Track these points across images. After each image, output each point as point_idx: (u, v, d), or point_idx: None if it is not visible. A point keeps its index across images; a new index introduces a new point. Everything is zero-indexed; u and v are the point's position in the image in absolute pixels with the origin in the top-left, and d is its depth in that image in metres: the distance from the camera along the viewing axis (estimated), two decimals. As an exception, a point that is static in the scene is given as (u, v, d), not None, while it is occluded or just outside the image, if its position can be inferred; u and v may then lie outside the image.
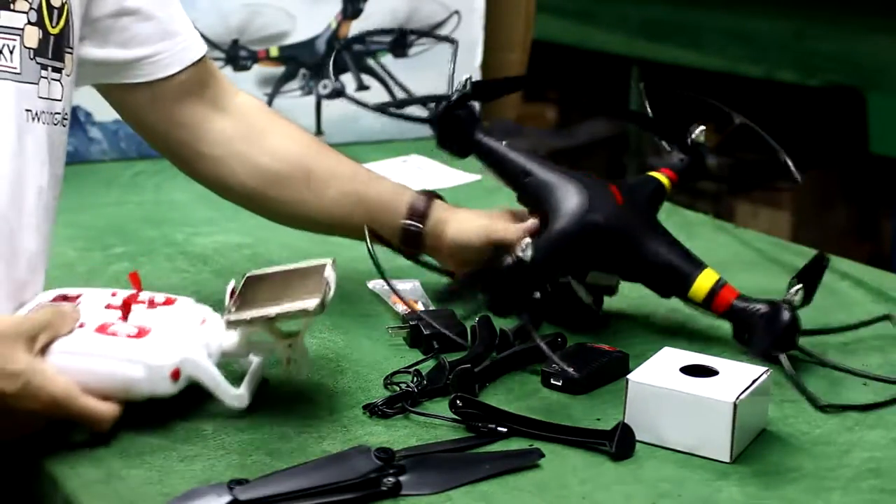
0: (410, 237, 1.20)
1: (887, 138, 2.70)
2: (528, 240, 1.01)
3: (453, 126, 1.21)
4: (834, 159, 3.03)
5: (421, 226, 1.20)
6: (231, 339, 0.98)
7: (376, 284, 1.24)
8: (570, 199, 1.11)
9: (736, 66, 2.75)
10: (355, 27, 1.88)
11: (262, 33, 1.83)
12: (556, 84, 1.22)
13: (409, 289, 1.23)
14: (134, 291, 1.00)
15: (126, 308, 0.96)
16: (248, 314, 0.96)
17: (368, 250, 1.08)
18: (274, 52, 1.85)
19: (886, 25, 2.74)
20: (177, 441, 0.93)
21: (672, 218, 1.48)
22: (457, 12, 1.92)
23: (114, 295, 0.99)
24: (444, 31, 1.91)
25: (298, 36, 1.86)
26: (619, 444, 0.92)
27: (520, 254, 1.01)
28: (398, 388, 1.00)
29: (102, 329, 0.95)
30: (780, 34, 2.90)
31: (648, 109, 1.27)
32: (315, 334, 1.13)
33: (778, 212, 2.96)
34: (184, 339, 0.95)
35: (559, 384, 1.03)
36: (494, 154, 1.19)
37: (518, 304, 1.01)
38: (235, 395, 0.96)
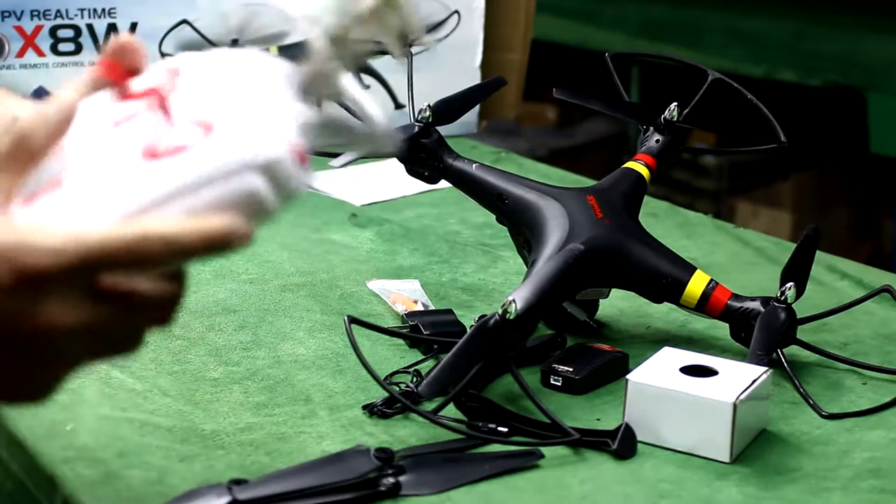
0: None
1: (888, 138, 2.70)
2: (511, 297, 0.99)
3: (421, 154, 1.20)
4: (834, 159, 3.03)
5: None
6: (315, 60, 0.68)
7: (376, 284, 1.24)
8: (549, 225, 1.09)
9: (736, 66, 2.75)
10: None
11: (262, 33, 1.83)
12: (556, 84, 1.22)
13: (409, 289, 1.23)
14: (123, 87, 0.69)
15: (163, 104, 0.66)
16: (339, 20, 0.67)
17: (351, 342, 1.00)
18: (274, 51, 1.85)
19: (887, 25, 2.74)
20: (176, 441, 0.93)
21: (672, 218, 1.48)
22: (456, 12, 1.92)
23: (97, 107, 0.69)
24: (443, 31, 1.91)
25: (298, 36, 1.86)
26: (621, 442, 0.92)
27: (505, 311, 0.98)
28: (398, 388, 1.00)
29: (152, 153, 0.65)
30: (781, 34, 2.90)
31: (620, 88, 1.25)
32: (314, 334, 1.13)
33: (778, 212, 2.96)
34: (266, 102, 0.66)
35: (559, 384, 1.03)
36: (466, 177, 1.18)
37: (502, 361, 1.00)
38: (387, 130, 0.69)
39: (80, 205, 0.64)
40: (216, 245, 0.62)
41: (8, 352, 0.62)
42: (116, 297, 0.63)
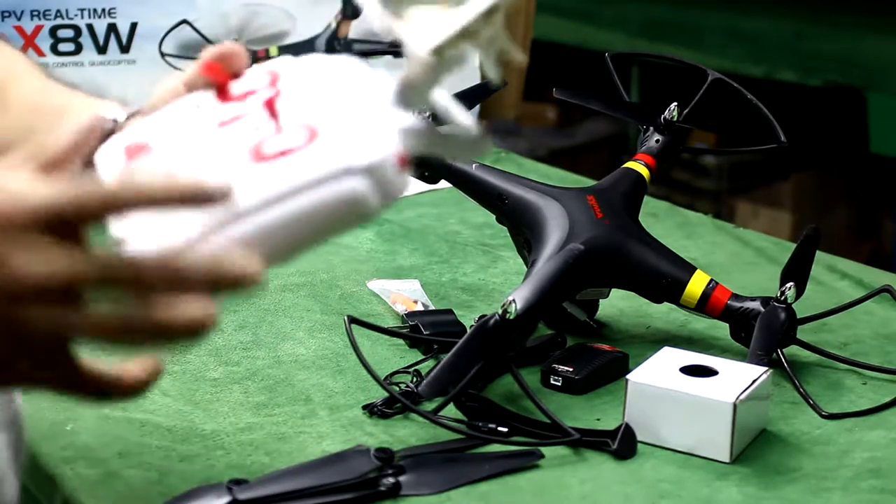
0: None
1: (888, 138, 2.70)
2: (511, 297, 0.99)
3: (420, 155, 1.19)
4: (834, 159, 3.03)
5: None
6: (415, 70, 0.68)
7: (376, 284, 1.24)
8: (549, 225, 1.09)
9: (736, 66, 2.75)
10: (355, 27, 1.88)
11: (262, 33, 1.83)
12: (556, 84, 1.22)
13: (409, 289, 1.23)
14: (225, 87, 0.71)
15: (271, 107, 0.68)
16: (440, 33, 0.67)
17: (351, 342, 1.01)
18: (274, 51, 1.85)
19: (887, 25, 2.74)
20: (176, 441, 0.93)
21: (672, 218, 1.48)
22: (457, 12, 1.92)
23: (199, 107, 0.71)
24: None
25: (298, 36, 1.85)
26: (621, 442, 0.92)
27: (505, 311, 0.99)
28: (398, 388, 1.00)
29: (259, 154, 0.66)
30: (781, 34, 2.90)
31: (620, 88, 1.25)
32: (314, 334, 1.13)
33: (778, 212, 2.96)
34: (369, 108, 0.67)
35: (559, 384, 1.03)
36: (466, 177, 1.18)
37: (501, 361, 1.00)
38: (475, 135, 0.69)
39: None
40: (191, 199, 0.60)
41: None
42: (97, 256, 0.58)
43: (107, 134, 0.75)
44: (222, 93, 0.71)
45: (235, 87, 0.71)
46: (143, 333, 0.60)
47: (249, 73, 0.72)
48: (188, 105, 0.71)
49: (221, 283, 0.60)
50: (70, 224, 0.59)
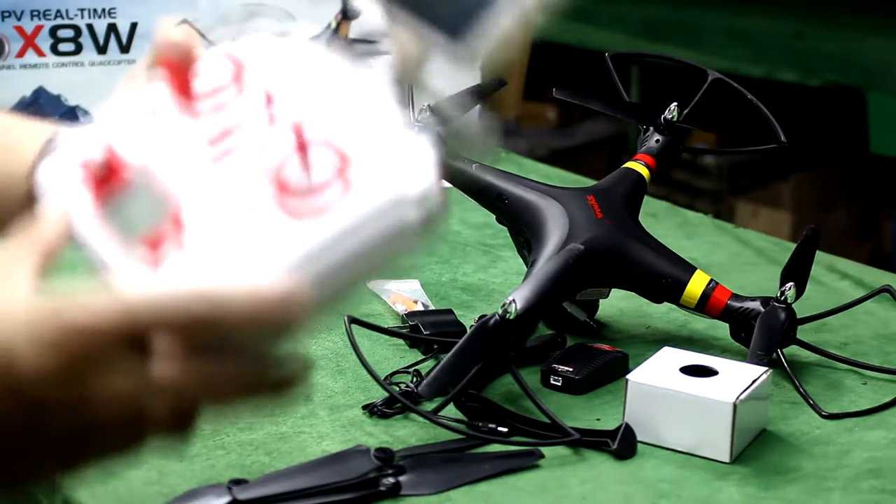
0: None
1: (887, 138, 2.70)
2: (511, 297, 0.99)
3: None
4: (834, 159, 3.03)
5: None
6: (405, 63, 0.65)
7: (376, 284, 1.24)
8: (549, 225, 1.09)
9: (736, 67, 2.75)
10: (355, 27, 1.88)
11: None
12: (556, 84, 1.22)
13: (409, 289, 1.23)
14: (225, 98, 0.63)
15: (301, 145, 0.59)
16: None
17: (351, 342, 1.01)
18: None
19: (886, 25, 2.74)
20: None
21: (672, 218, 1.48)
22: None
23: (157, 112, 0.63)
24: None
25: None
26: (621, 442, 0.92)
27: (505, 311, 0.99)
28: (398, 388, 1.00)
29: (287, 190, 0.59)
30: (781, 34, 2.90)
31: (620, 88, 1.25)
32: (314, 334, 1.13)
33: (778, 212, 2.96)
34: (393, 121, 0.61)
35: (559, 384, 1.03)
36: (466, 178, 1.18)
37: (501, 361, 1.00)
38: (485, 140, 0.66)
39: (222, 268, 0.57)
40: (270, 315, 0.56)
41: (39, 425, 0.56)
42: (170, 361, 0.56)
43: None
44: (184, 91, 0.63)
45: (195, 80, 0.63)
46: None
47: (207, 62, 0.64)
48: (144, 105, 0.63)
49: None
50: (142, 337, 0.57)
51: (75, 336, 0.55)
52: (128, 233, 0.60)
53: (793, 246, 1.11)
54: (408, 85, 0.66)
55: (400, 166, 0.59)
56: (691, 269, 1.09)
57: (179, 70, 0.63)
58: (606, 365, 1.05)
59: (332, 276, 0.58)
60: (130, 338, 0.56)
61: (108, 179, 0.62)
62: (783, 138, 1.19)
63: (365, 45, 0.67)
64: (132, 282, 0.58)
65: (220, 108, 0.62)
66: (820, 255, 1.17)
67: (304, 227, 0.58)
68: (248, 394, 0.59)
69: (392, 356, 1.09)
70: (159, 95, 0.64)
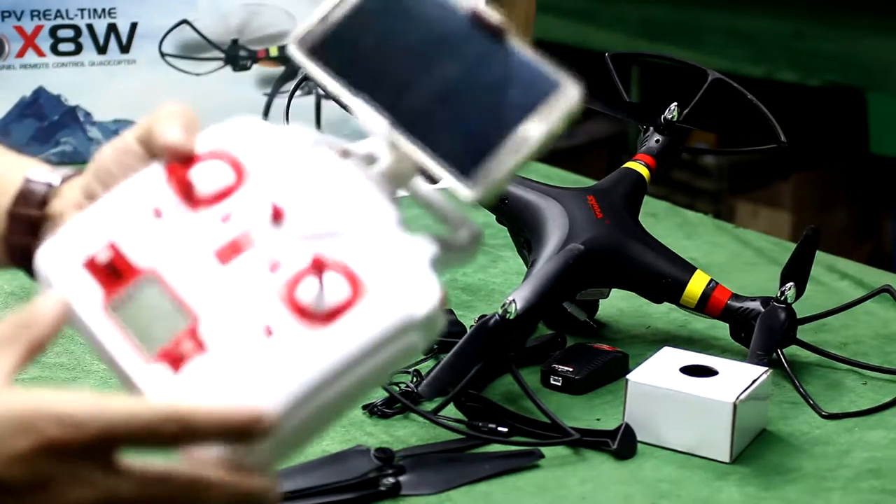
0: (25, 227, 0.75)
1: (888, 138, 2.70)
2: (511, 297, 1.00)
3: None
4: (834, 159, 3.03)
5: (39, 214, 0.74)
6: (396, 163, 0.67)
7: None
8: (549, 225, 1.09)
9: (736, 67, 2.75)
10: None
11: (262, 33, 1.83)
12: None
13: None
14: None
15: (319, 268, 0.62)
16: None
17: None
18: (274, 51, 1.85)
19: (886, 25, 2.74)
20: (176, 441, 0.93)
21: (672, 218, 1.48)
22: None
23: (161, 213, 0.65)
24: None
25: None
26: (621, 442, 0.92)
27: (505, 311, 0.99)
28: (398, 388, 1.00)
29: (305, 313, 0.62)
30: (781, 34, 2.90)
31: (620, 88, 1.25)
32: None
33: (778, 212, 2.96)
34: (401, 242, 0.65)
35: (559, 384, 1.03)
36: None
37: (502, 361, 1.00)
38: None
39: (241, 381, 0.60)
40: (234, 432, 0.59)
41: None
42: (132, 475, 0.59)
43: (40, 201, 0.72)
44: (187, 195, 0.65)
45: (198, 181, 0.65)
46: None
47: (206, 158, 0.66)
48: (145, 201, 0.65)
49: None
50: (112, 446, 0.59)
51: (45, 451, 0.57)
52: (141, 336, 0.62)
53: (793, 246, 1.12)
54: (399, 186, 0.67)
55: (409, 287, 0.62)
56: (691, 269, 1.09)
57: (180, 170, 0.66)
58: (606, 365, 1.05)
59: (332, 395, 0.61)
60: (99, 453, 0.58)
61: (113, 278, 0.64)
62: (783, 138, 1.19)
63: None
64: (153, 387, 0.61)
65: (227, 217, 0.64)
66: (820, 255, 1.17)
67: (317, 348, 0.61)
68: None
69: (392, 356, 1.09)
70: (160, 192, 0.65)
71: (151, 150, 0.69)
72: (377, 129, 0.66)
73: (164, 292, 0.63)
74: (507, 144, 0.63)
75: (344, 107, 0.67)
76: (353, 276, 0.62)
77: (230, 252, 0.63)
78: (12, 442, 0.57)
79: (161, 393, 0.61)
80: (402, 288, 0.62)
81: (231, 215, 0.64)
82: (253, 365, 0.61)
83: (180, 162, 0.66)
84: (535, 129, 0.63)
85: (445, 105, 0.65)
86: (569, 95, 0.64)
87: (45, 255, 0.65)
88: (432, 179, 0.68)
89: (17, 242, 0.73)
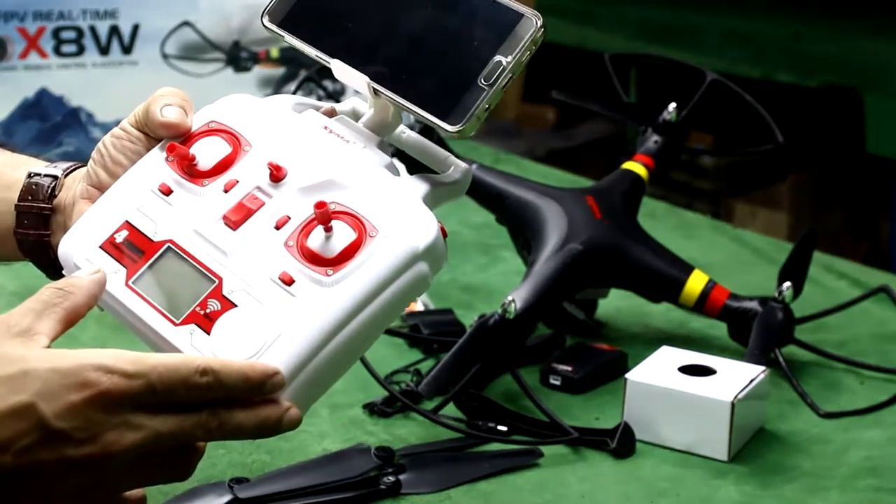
0: (33, 220, 0.77)
1: (884, 139, 2.70)
2: (511, 297, 1.00)
3: None
4: (831, 159, 3.04)
5: (48, 206, 0.77)
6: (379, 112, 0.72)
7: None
8: (549, 225, 1.10)
9: (734, 68, 2.75)
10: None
11: (263, 34, 1.83)
12: (556, 85, 1.22)
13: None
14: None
15: (324, 216, 0.67)
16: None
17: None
18: (275, 53, 1.85)
19: (883, 27, 2.74)
20: (178, 440, 0.94)
21: (670, 218, 1.49)
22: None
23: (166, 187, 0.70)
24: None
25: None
26: (620, 441, 0.93)
27: (504, 310, 0.99)
28: (398, 387, 1.01)
29: (318, 260, 0.67)
30: (778, 36, 2.90)
31: (619, 89, 1.26)
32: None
33: (776, 212, 2.96)
34: (392, 184, 0.70)
35: (558, 383, 1.04)
36: None
37: (503, 361, 1.00)
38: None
39: (268, 330, 0.65)
40: (254, 387, 0.65)
41: (65, 475, 0.62)
42: (169, 416, 0.64)
43: (47, 194, 0.76)
44: (190, 170, 0.70)
45: (199, 156, 0.70)
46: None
47: (203, 133, 0.71)
48: (151, 181, 0.70)
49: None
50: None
51: (97, 401, 0.62)
52: (168, 303, 0.67)
53: (790, 246, 1.12)
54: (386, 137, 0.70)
55: (408, 222, 0.66)
56: (689, 269, 1.09)
57: (180, 149, 0.70)
58: (605, 364, 1.06)
59: (353, 331, 0.66)
60: (144, 400, 0.63)
61: (133, 255, 0.68)
62: (780, 139, 1.20)
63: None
64: (186, 345, 0.66)
65: (231, 184, 0.69)
66: (817, 255, 1.17)
67: (334, 291, 0.66)
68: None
69: (392, 355, 1.09)
70: (164, 171, 0.70)
71: (150, 133, 0.73)
72: (357, 84, 0.70)
73: (184, 260, 0.67)
74: (480, 78, 0.67)
75: (324, 70, 0.71)
76: (356, 219, 0.67)
77: (239, 214, 0.68)
78: (67, 395, 0.61)
79: (195, 349, 0.65)
80: (403, 224, 0.66)
81: (234, 182, 0.69)
82: (275, 317, 0.65)
83: (179, 140, 0.70)
84: (505, 61, 0.67)
85: (417, 52, 0.69)
86: (531, 24, 0.68)
87: (67, 245, 0.70)
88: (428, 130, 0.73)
89: (27, 235, 0.76)
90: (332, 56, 0.70)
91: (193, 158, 0.70)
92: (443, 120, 0.67)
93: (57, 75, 1.51)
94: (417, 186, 0.70)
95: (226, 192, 0.69)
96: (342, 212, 0.67)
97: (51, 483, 0.62)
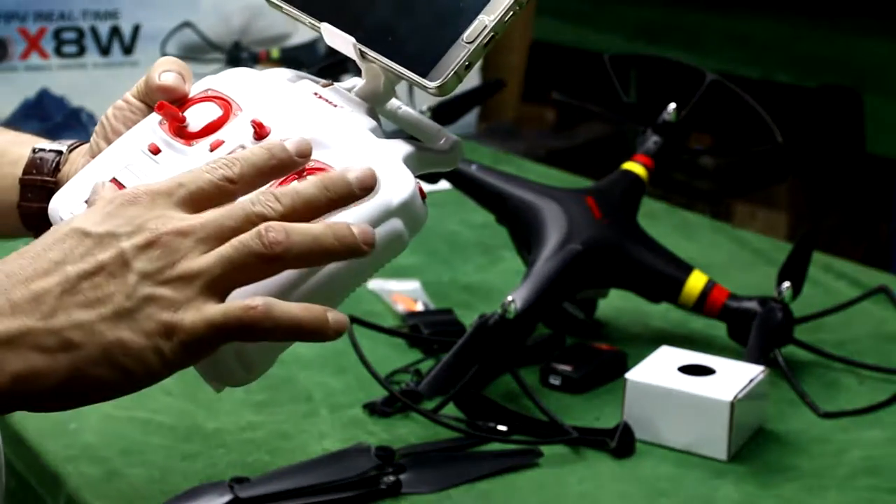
0: (37, 194, 0.79)
1: (884, 139, 2.70)
2: (511, 297, 1.00)
3: None
4: (831, 160, 3.04)
5: (52, 180, 0.78)
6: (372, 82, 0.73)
7: (376, 284, 1.24)
8: (549, 225, 1.10)
9: (733, 68, 2.75)
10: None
11: (264, 35, 1.84)
12: (555, 85, 1.23)
13: (410, 289, 1.24)
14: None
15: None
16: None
17: (352, 341, 1.02)
18: (275, 53, 1.85)
19: (883, 27, 2.74)
20: (178, 439, 0.94)
21: (670, 218, 1.49)
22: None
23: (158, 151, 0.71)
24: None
25: (300, 38, 1.86)
26: (620, 441, 0.93)
27: (504, 310, 1.00)
28: (398, 387, 1.01)
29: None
30: (777, 36, 2.91)
31: (619, 90, 1.26)
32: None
33: (775, 213, 2.97)
34: (373, 142, 0.70)
35: (558, 383, 1.04)
36: (466, 178, 1.19)
37: (503, 361, 1.01)
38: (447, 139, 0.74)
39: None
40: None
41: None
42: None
43: (52, 168, 0.77)
44: (180, 131, 0.71)
45: (190, 119, 0.71)
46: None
47: (198, 98, 0.72)
48: (141, 141, 0.71)
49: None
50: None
51: (130, 201, 0.62)
52: None
53: (789, 246, 1.12)
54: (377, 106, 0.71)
55: (384, 179, 0.66)
56: (689, 269, 1.09)
57: (173, 110, 0.70)
58: (605, 364, 1.06)
59: (333, 283, 0.66)
60: (171, 201, 0.62)
61: None
62: (780, 139, 1.20)
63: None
64: None
65: (217, 144, 0.69)
66: (816, 256, 1.18)
67: None
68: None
69: (392, 355, 1.09)
70: (155, 131, 0.71)
71: (149, 101, 0.74)
72: (345, 47, 0.71)
73: None
74: (462, 37, 0.69)
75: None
76: (321, 166, 0.67)
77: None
78: (102, 206, 0.62)
79: None
80: (382, 182, 0.66)
81: (220, 142, 0.69)
82: None
83: (175, 105, 0.71)
84: (488, 19, 0.69)
85: (403, 14, 0.71)
86: None
87: (56, 201, 0.70)
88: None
89: (30, 208, 0.77)
90: (321, 20, 0.72)
91: (184, 119, 0.71)
92: (423, 79, 0.68)
93: (58, 76, 1.51)
94: (399, 148, 0.70)
95: (211, 151, 0.69)
96: (321, 167, 0.67)
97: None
